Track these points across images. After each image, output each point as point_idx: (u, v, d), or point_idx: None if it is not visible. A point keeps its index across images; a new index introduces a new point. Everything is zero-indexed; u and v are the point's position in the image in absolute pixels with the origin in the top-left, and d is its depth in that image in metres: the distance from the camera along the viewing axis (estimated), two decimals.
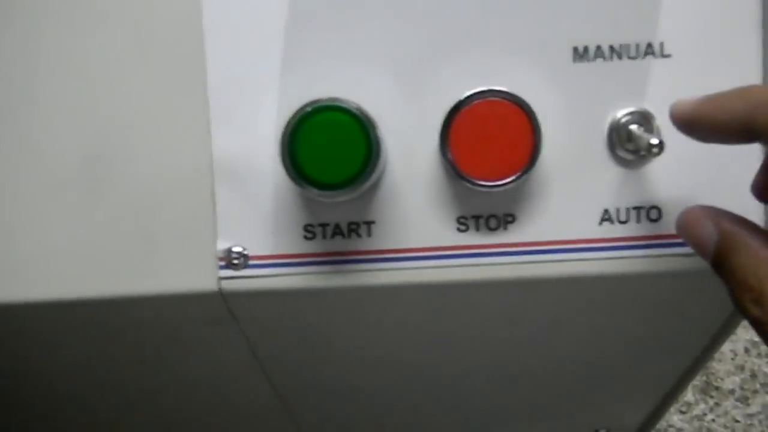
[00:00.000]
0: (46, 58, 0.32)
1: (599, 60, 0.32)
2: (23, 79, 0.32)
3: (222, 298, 0.33)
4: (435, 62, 0.32)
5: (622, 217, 0.33)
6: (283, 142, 0.29)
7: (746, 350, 1.18)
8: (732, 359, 1.18)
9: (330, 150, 0.29)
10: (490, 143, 0.30)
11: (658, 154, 0.29)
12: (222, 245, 0.33)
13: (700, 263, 0.29)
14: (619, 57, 0.32)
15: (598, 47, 0.32)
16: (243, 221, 0.33)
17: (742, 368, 1.18)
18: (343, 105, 0.29)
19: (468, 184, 0.31)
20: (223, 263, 0.33)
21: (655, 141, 0.29)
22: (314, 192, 0.30)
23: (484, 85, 0.31)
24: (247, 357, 0.40)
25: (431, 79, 0.32)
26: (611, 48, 0.32)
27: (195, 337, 0.38)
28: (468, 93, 0.30)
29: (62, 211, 0.33)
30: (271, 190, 0.33)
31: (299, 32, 0.32)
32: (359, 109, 0.29)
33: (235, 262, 0.32)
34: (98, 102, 0.32)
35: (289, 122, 0.29)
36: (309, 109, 0.29)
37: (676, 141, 0.30)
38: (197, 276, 0.33)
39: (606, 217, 0.33)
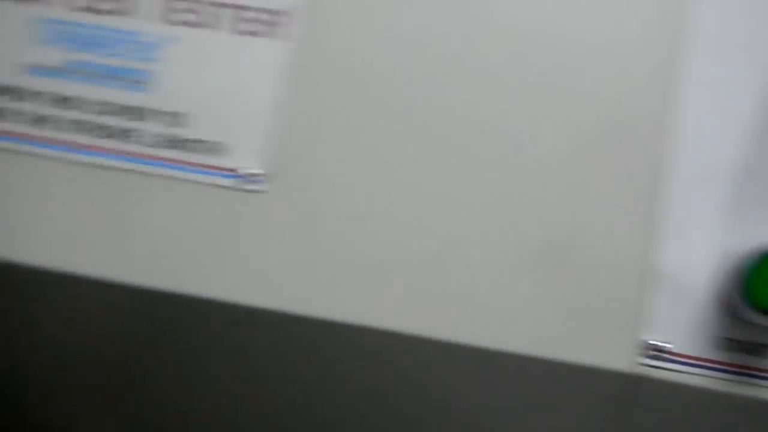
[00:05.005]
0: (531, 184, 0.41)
1: None
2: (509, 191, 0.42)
3: (626, 379, 0.40)
4: None
5: None
6: (743, 273, 0.36)
7: None
8: None
9: None
10: None
11: None
12: (649, 338, 0.39)
13: None
14: None
15: None
16: (671, 322, 0.39)
17: None
18: None
19: None
20: (645, 352, 0.39)
21: None
22: (761, 317, 0.36)
23: None
24: None
25: None
26: None
27: None
28: None
29: (528, 283, 0.41)
30: (700, 305, 0.39)
31: (744, 185, 0.39)
32: None
33: (660, 354, 0.39)
34: (559, 204, 0.41)
35: (750, 256, 0.36)
36: None
37: None
38: (616, 356, 0.40)
39: None
